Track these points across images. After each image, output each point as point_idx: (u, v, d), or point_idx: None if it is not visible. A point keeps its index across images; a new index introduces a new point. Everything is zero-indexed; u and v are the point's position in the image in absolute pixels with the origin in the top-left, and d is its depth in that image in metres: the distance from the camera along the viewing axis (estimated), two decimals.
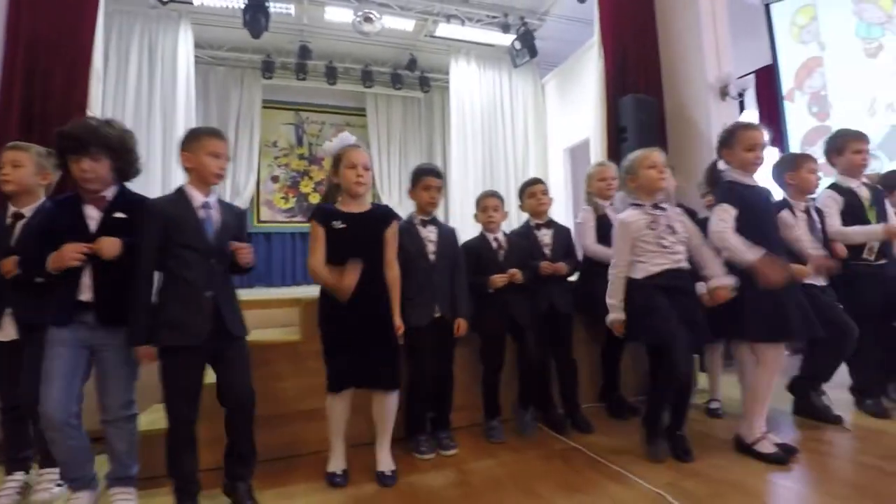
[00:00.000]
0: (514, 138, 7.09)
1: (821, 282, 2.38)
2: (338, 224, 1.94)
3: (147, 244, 1.67)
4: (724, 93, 4.18)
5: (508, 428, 2.47)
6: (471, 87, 6.92)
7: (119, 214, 1.74)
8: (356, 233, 1.95)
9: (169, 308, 1.67)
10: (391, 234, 2.02)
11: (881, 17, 4.43)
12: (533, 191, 2.64)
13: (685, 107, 4.35)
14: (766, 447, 1.98)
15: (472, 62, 6.98)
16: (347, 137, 2.07)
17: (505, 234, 2.56)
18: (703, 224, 2.40)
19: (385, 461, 1.98)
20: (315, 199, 7.30)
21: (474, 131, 6.84)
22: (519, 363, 2.47)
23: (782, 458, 1.94)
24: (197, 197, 1.75)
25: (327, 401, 1.97)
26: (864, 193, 2.57)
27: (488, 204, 2.53)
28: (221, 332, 1.70)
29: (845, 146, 2.58)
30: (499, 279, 2.38)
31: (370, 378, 1.95)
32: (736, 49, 4.86)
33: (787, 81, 4.89)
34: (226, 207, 1.84)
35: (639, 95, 4.22)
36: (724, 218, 2.02)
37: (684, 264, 2.06)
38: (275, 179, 7.33)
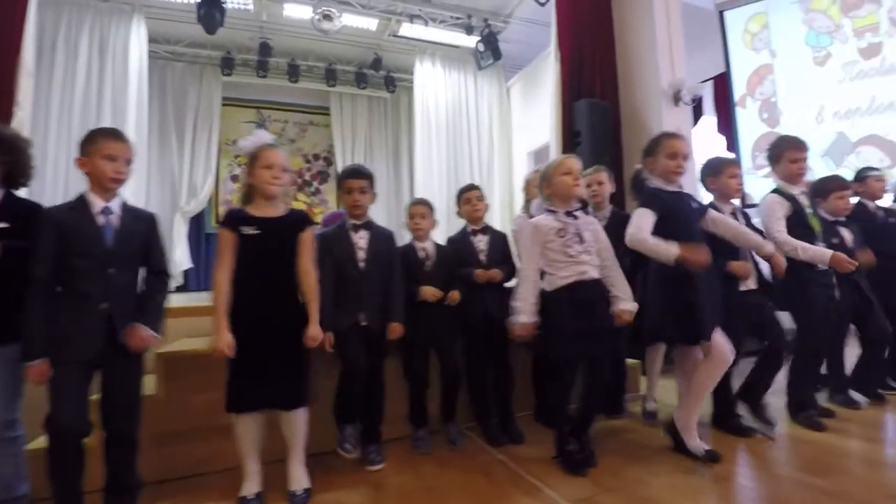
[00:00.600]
0: (479, 141, 7.06)
1: (749, 285, 2.37)
2: (249, 230, 1.84)
3: (42, 253, 1.57)
4: (676, 98, 4.20)
5: (440, 439, 2.41)
6: (436, 88, 6.87)
7: (3, 224, 1.62)
8: (268, 239, 1.85)
9: (58, 321, 1.57)
10: (306, 240, 1.92)
11: (830, 26, 4.50)
12: (468, 197, 2.58)
13: (639, 111, 4.36)
14: (695, 446, 2.04)
15: (437, 63, 6.93)
16: (264, 135, 1.97)
17: (434, 244, 2.50)
18: None
19: (297, 479, 1.88)
20: None
21: (439, 133, 6.79)
22: (441, 376, 2.40)
23: (712, 455, 2.00)
24: (97, 203, 1.66)
25: (232, 420, 1.84)
26: (805, 201, 2.58)
27: (414, 212, 2.49)
28: (113, 346, 1.59)
29: (782, 154, 2.57)
30: (430, 293, 2.32)
31: (271, 398, 1.82)
32: (697, 56, 4.90)
33: (739, 88, 4.95)
34: (131, 213, 1.74)
35: (593, 100, 4.21)
36: (640, 223, 2.02)
37: (592, 275, 2.00)
38: (234, 179, 7.14)
